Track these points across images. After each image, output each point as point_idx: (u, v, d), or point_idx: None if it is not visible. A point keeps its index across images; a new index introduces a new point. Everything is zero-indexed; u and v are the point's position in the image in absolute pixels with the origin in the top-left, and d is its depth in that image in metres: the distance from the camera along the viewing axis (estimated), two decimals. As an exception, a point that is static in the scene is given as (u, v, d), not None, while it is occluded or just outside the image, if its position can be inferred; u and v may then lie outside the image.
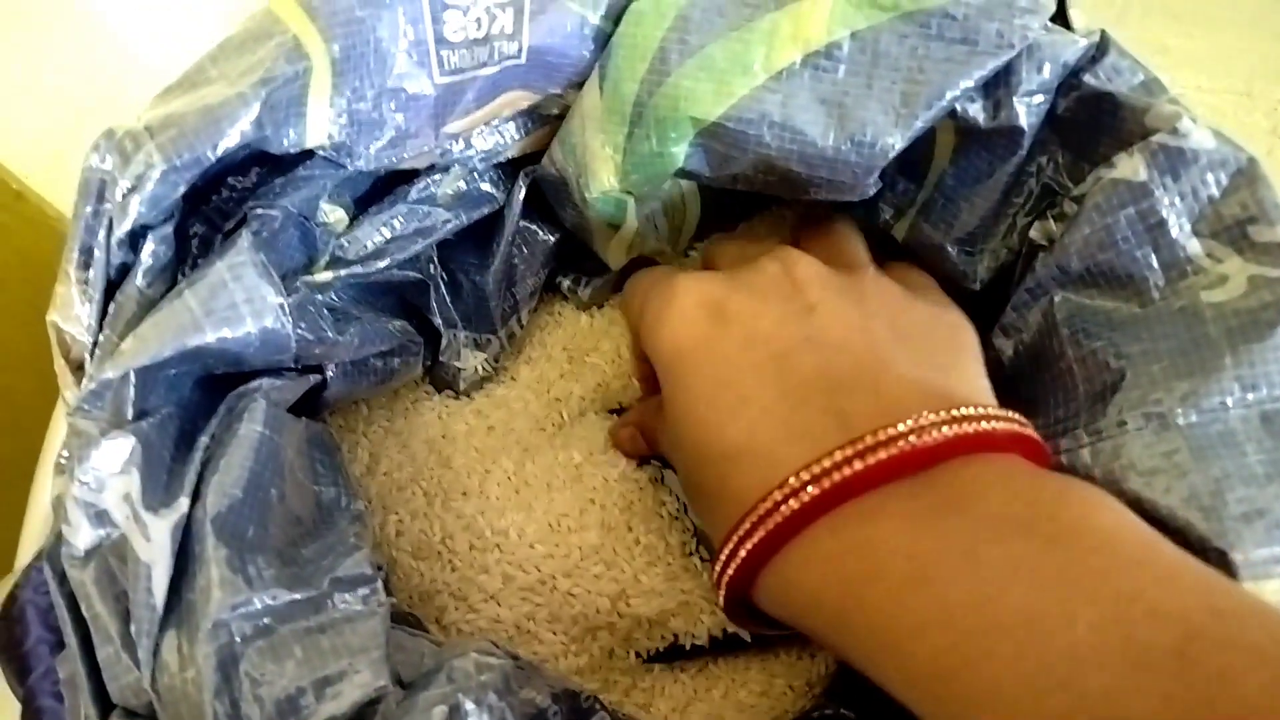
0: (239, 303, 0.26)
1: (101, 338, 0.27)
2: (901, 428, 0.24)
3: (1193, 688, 0.18)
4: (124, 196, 0.25)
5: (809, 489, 0.24)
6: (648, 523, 0.33)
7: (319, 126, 0.28)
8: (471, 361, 0.37)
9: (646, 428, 0.33)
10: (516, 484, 0.34)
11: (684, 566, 0.32)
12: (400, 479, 0.35)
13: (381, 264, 0.32)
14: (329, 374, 0.31)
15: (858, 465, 0.24)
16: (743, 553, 0.25)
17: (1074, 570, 0.21)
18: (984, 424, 0.24)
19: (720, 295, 0.28)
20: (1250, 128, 0.40)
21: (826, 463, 0.24)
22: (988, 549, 0.21)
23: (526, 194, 0.35)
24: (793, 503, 0.24)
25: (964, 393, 0.27)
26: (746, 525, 0.25)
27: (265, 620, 0.24)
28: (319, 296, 0.31)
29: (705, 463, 0.27)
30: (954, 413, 0.24)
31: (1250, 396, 0.25)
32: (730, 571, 0.26)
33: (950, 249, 0.32)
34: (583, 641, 0.32)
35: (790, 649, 0.33)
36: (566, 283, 0.38)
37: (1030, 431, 0.26)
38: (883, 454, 0.23)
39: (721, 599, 0.27)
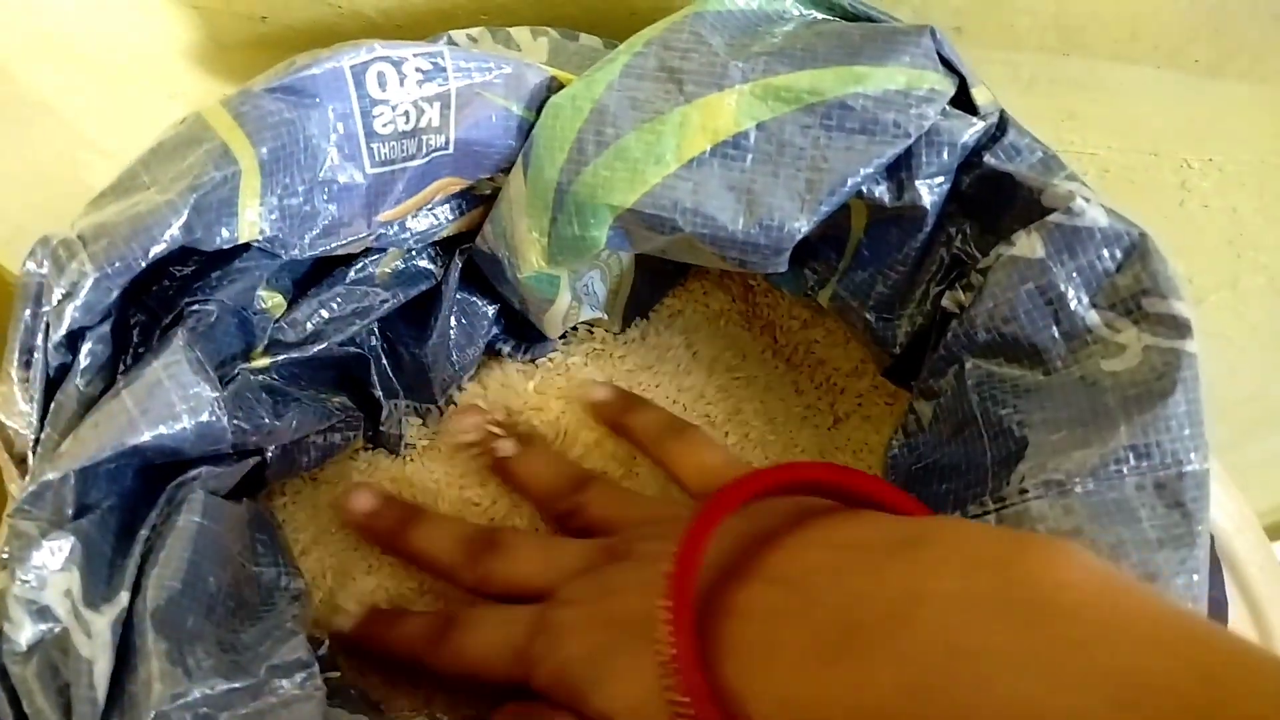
0: (175, 400, 0.27)
1: (43, 435, 0.28)
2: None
3: None
4: (59, 302, 0.26)
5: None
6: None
7: (251, 224, 0.29)
8: (412, 430, 0.37)
9: None
10: None
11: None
12: (352, 541, 0.36)
13: (320, 345, 0.33)
14: (269, 455, 0.32)
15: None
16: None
17: (1055, 650, 0.21)
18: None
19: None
20: (1159, 183, 0.42)
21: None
22: (968, 639, 0.22)
23: (464, 265, 0.36)
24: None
25: None
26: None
27: (204, 709, 0.25)
28: (259, 380, 0.32)
29: None
30: None
31: (1144, 464, 0.27)
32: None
33: (869, 315, 0.33)
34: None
35: None
36: (506, 349, 0.39)
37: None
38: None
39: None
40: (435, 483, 0.37)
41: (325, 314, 0.33)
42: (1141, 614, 0.21)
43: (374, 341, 0.37)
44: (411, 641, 0.32)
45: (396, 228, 0.33)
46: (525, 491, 0.36)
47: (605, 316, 0.39)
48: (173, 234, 0.27)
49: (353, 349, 0.35)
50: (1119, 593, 0.22)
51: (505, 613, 0.31)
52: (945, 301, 0.31)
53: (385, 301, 0.34)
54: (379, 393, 0.36)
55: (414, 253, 0.35)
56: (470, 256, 0.36)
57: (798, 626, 0.25)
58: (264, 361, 0.32)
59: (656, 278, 0.40)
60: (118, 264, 0.26)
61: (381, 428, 0.37)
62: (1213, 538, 0.33)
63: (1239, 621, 0.41)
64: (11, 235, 0.58)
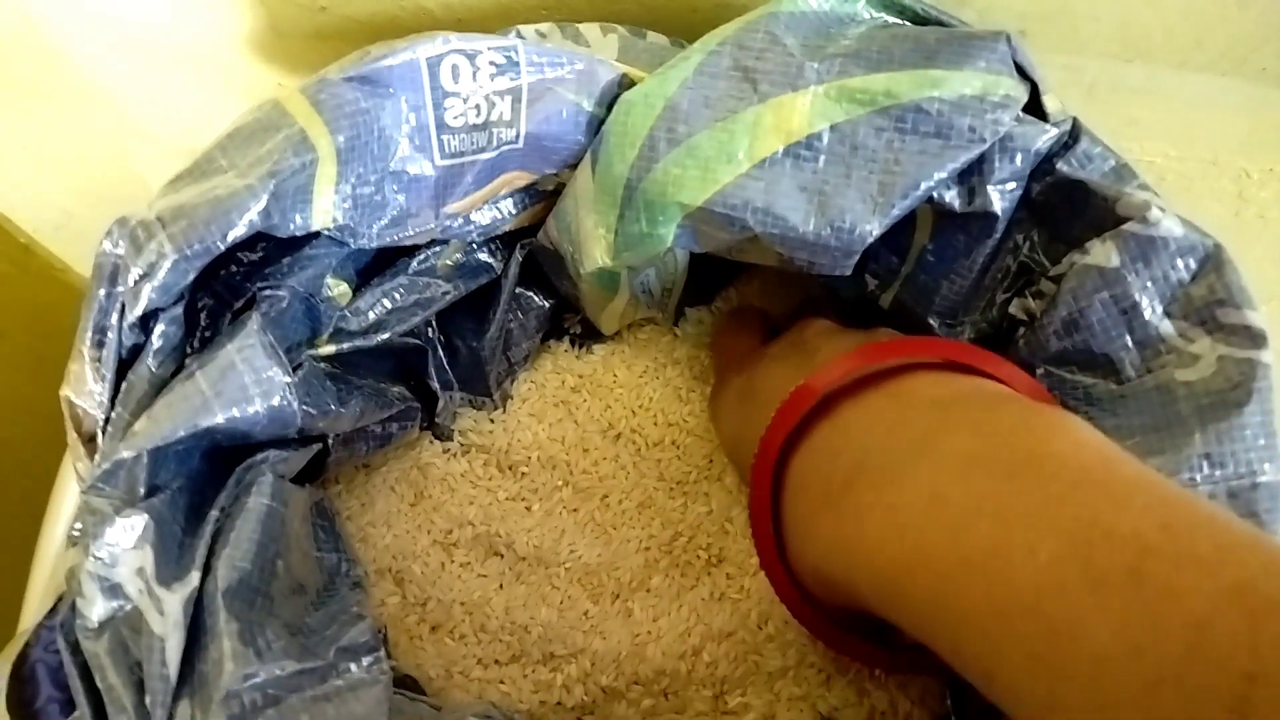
0: (248, 384, 0.27)
1: (114, 415, 0.28)
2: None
3: (1147, 605, 0.19)
4: (136, 283, 0.27)
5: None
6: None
7: (324, 211, 0.29)
8: (467, 422, 0.38)
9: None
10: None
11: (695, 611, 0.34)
12: (404, 541, 0.36)
13: (383, 335, 0.33)
14: (330, 441, 0.32)
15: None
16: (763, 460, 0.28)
17: (1031, 500, 0.21)
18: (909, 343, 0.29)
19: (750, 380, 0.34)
20: (1218, 192, 0.41)
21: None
22: (953, 488, 0.23)
23: (522, 262, 0.36)
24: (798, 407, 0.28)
25: None
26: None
27: (274, 690, 0.25)
28: (322, 367, 0.32)
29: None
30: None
31: (1218, 473, 0.27)
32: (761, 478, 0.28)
33: (933, 320, 0.33)
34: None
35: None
36: (561, 344, 0.39)
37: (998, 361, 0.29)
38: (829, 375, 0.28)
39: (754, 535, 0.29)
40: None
41: (388, 304, 0.34)
42: (1118, 475, 0.22)
43: (431, 334, 0.37)
44: None
45: (461, 220, 0.33)
46: None
47: (659, 315, 0.39)
48: (251, 219, 0.27)
49: (412, 340, 0.35)
50: (1102, 456, 0.23)
51: None
52: (1014, 309, 0.31)
53: (446, 294, 0.34)
54: (436, 384, 0.36)
55: (475, 246, 0.35)
56: (530, 252, 0.36)
57: (822, 469, 0.27)
58: (329, 349, 0.32)
59: (709, 276, 0.40)
60: (196, 246, 0.26)
61: (437, 419, 0.37)
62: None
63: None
64: (61, 221, 0.58)
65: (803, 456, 0.29)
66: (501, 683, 0.33)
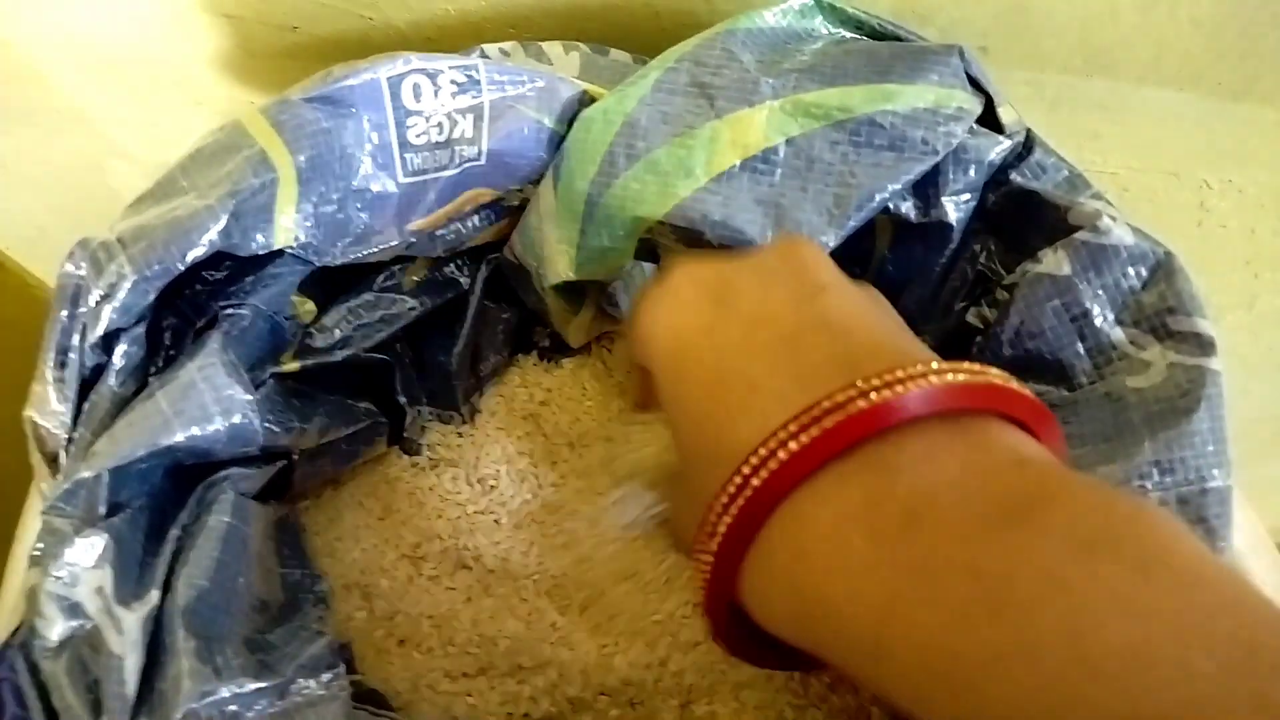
0: (209, 403, 0.27)
1: (76, 434, 0.28)
2: (919, 368, 0.20)
3: None
4: (97, 304, 0.27)
5: (804, 435, 0.20)
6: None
7: (286, 230, 0.29)
8: (435, 436, 0.38)
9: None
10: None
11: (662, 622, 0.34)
12: (372, 555, 0.36)
13: (348, 351, 0.33)
14: (295, 458, 0.33)
15: (862, 404, 0.19)
16: (724, 526, 0.20)
17: (1176, 606, 0.18)
18: (1007, 384, 0.21)
19: (720, 276, 0.25)
20: (1180, 203, 0.42)
21: (826, 403, 0.20)
22: (1073, 570, 0.18)
23: (489, 275, 0.37)
24: (781, 454, 0.20)
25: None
26: (730, 489, 0.20)
27: (232, 708, 0.25)
28: (287, 384, 0.33)
29: (716, 464, 0.22)
30: (975, 369, 0.21)
31: (1168, 480, 0.27)
32: (711, 551, 0.21)
33: (892, 331, 0.34)
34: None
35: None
36: (529, 358, 0.40)
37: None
38: (898, 389, 0.20)
39: (704, 601, 0.22)
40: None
41: (354, 320, 0.34)
42: (1253, 596, 0.19)
43: (399, 348, 0.37)
44: None
45: (426, 237, 0.34)
46: None
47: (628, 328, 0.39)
48: (211, 238, 0.27)
49: (378, 355, 0.36)
50: (1229, 572, 0.19)
51: None
52: (970, 317, 0.32)
53: (413, 309, 0.35)
54: (403, 399, 0.36)
55: (441, 262, 0.36)
56: (496, 266, 0.36)
57: (853, 508, 0.20)
58: (293, 366, 0.32)
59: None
60: (156, 267, 0.27)
61: (405, 434, 0.37)
62: (1231, 557, 0.33)
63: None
64: (35, 238, 0.58)
65: (816, 490, 0.21)
66: (469, 695, 0.33)
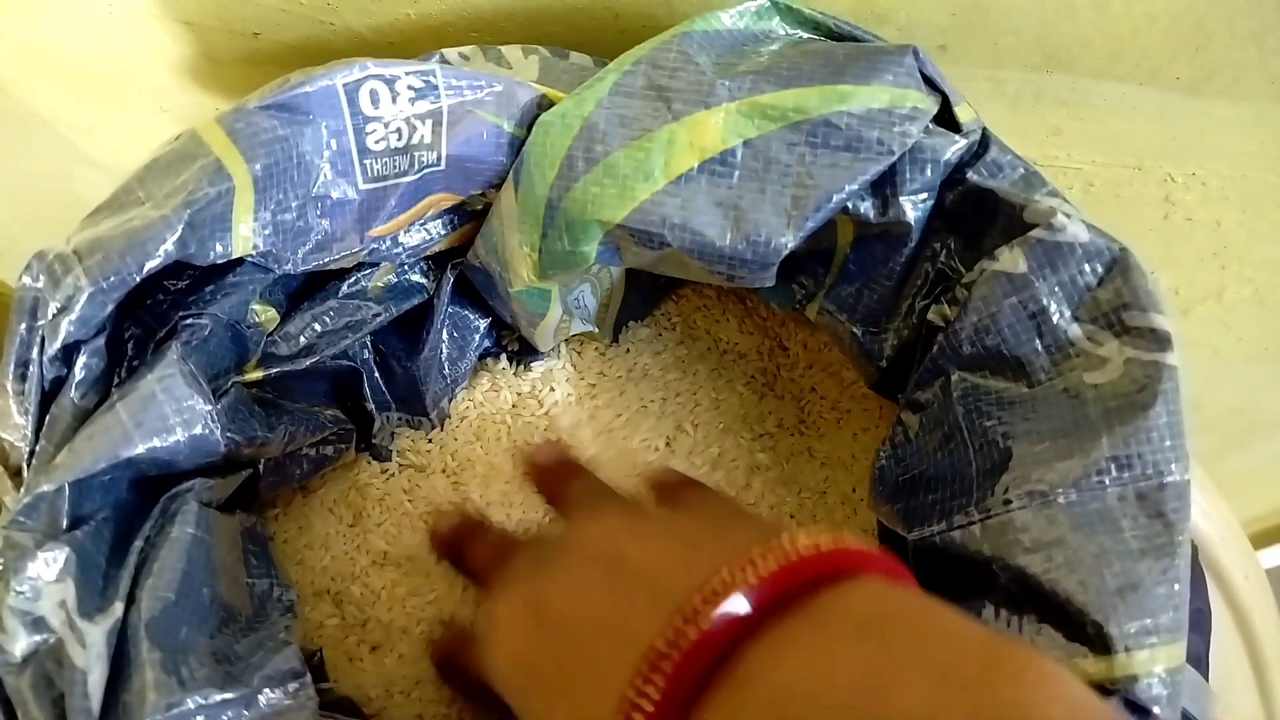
0: (169, 414, 0.27)
1: (38, 447, 0.28)
2: (786, 544, 0.22)
3: None
4: (54, 316, 0.27)
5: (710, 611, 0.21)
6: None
7: (245, 238, 0.29)
8: (405, 442, 0.38)
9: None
10: None
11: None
12: (343, 562, 0.36)
13: (313, 359, 0.33)
14: (262, 467, 0.33)
15: (692, 634, 0.21)
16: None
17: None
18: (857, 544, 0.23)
19: (533, 595, 0.26)
20: (1146, 197, 0.42)
21: (715, 582, 0.21)
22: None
23: (456, 279, 0.37)
24: (691, 631, 0.21)
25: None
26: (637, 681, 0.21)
27: (199, 719, 0.25)
28: (250, 392, 0.33)
29: None
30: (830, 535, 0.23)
31: (1126, 475, 0.27)
32: None
33: (856, 329, 0.34)
34: None
35: None
36: (498, 362, 0.40)
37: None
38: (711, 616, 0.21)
39: None
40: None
41: (318, 327, 0.34)
42: None
43: (366, 355, 0.37)
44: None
45: (389, 243, 0.34)
46: None
47: (596, 330, 0.39)
48: (167, 249, 0.27)
49: (345, 362, 0.36)
50: None
51: None
52: (931, 315, 0.32)
53: (378, 315, 0.35)
54: (371, 405, 0.36)
55: (406, 267, 0.36)
56: (462, 271, 0.36)
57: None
58: (257, 374, 0.32)
59: (647, 291, 0.40)
60: (113, 278, 0.27)
61: (374, 440, 0.37)
62: (1197, 548, 0.33)
63: (1225, 631, 0.42)
64: (5, 248, 0.58)
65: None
66: (441, 702, 0.34)
